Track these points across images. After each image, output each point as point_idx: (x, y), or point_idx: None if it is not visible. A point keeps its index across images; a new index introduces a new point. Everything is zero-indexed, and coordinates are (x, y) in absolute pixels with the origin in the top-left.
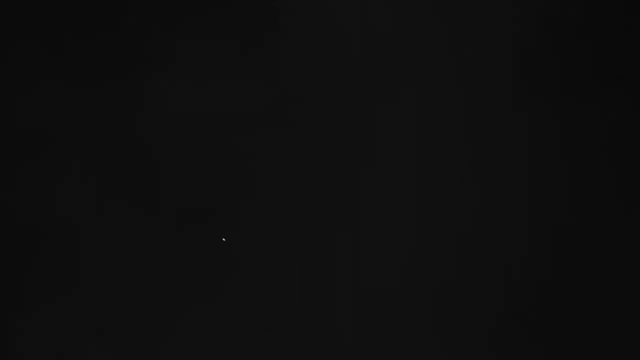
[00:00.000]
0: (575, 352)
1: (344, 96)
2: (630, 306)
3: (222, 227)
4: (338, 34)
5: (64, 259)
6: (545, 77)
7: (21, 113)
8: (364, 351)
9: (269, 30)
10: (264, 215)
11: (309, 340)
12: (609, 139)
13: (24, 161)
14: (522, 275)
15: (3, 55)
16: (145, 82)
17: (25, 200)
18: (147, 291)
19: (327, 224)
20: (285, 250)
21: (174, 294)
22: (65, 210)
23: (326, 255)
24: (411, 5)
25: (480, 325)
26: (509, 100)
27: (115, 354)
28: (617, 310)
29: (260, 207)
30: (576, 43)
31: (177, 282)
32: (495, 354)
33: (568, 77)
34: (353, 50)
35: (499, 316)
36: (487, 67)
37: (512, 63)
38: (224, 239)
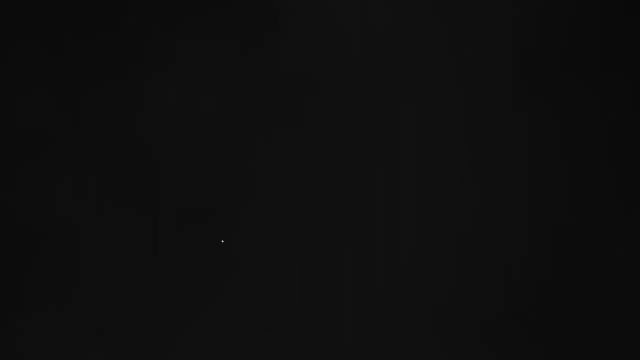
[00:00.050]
0: (575, 352)
1: (344, 96)
2: (630, 306)
3: (222, 227)
4: (338, 34)
5: (64, 259)
6: (545, 77)
7: (21, 113)
8: (364, 351)
9: (269, 30)
10: (264, 215)
11: (309, 341)
12: (609, 139)
13: (24, 161)
14: (522, 275)
15: (3, 55)
16: (145, 82)
17: (25, 200)
18: (147, 291)
19: (327, 224)
20: (285, 250)
21: (174, 294)
22: (65, 210)
23: (326, 255)
24: (411, 5)
25: (480, 326)
26: (509, 100)
27: (115, 354)
28: (617, 310)
29: (260, 207)
30: (576, 43)
31: (176, 282)
32: (495, 354)
33: (568, 77)
34: (353, 50)
35: (499, 316)
36: (487, 67)
37: (512, 63)
38: (222, 241)
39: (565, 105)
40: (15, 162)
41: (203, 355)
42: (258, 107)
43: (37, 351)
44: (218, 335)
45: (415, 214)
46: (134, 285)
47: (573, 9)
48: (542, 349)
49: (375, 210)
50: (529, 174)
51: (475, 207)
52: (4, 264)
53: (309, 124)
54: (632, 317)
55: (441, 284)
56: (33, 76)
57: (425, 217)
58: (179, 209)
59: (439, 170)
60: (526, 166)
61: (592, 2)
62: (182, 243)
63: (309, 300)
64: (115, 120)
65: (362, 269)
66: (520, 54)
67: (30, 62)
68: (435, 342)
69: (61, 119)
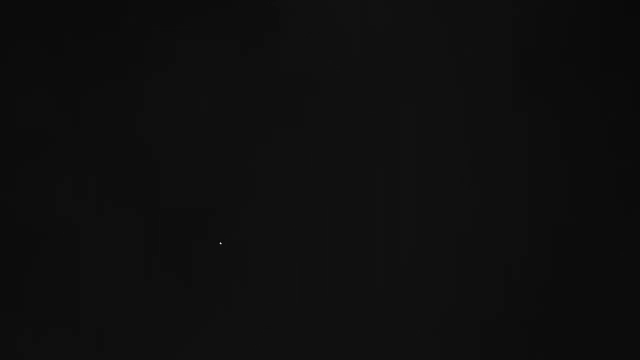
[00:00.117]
0: (576, 352)
1: (344, 96)
2: (630, 306)
3: (222, 227)
4: (338, 34)
5: (64, 259)
6: (545, 77)
7: (21, 113)
8: (364, 351)
9: (269, 30)
10: (264, 215)
11: (308, 341)
12: (609, 139)
13: (24, 161)
14: (522, 275)
15: (3, 55)
16: (145, 82)
17: (25, 200)
18: (146, 291)
19: (327, 224)
20: (285, 250)
21: (174, 294)
22: (65, 210)
23: (326, 256)
24: (411, 5)
25: (480, 326)
26: (509, 100)
27: (115, 354)
28: (617, 310)
29: (260, 207)
30: (576, 43)
31: (176, 282)
32: (495, 354)
33: (568, 77)
34: (353, 50)
35: (499, 316)
36: (487, 67)
37: (512, 63)
38: (220, 243)
39: (565, 105)
40: (15, 162)
41: (202, 354)
42: (258, 107)
43: (37, 351)
44: (218, 335)
45: (415, 213)
46: (133, 285)
47: (573, 9)
48: (542, 349)
49: (375, 210)
50: (529, 174)
51: (475, 207)
52: (4, 264)
53: (309, 124)
54: (632, 317)
55: (441, 284)
56: (33, 76)
57: (425, 217)
58: (179, 209)
59: (439, 170)
60: (526, 166)
61: (592, 2)
62: (182, 243)
63: (309, 300)
64: (115, 120)
65: (362, 269)
66: (520, 54)
67: (30, 62)
68: (435, 342)
69: (61, 119)
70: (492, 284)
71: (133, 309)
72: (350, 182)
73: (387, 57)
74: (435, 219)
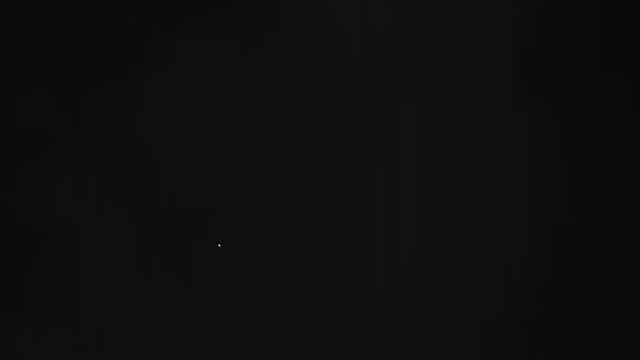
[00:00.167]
0: (576, 352)
1: (344, 96)
2: (630, 306)
3: (222, 227)
4: (338, 34)
5: (64, 259)
6: (545, 77)
7: (21, 113)
8: (364, 351)
9: (269, 30)
10: (264, 215)
11: (309, 341)
12: (609, 139)
13: (24, 161)
14: (522, 275)
15: (3, 55)
16: (145, 82)
17: (25, 200)
18: (146, 291)
19: (327, 224)
20: (285, 250)
21: (174, 294)
22: (65, 210)
23: (326, 256)
24: (411, 5)
25: (480, 326)
26: (509, 100)
27: (115, 354)
28: (617, 310)
29: (260, 207)
30: (576, 43)
31: (176, 282)
32: (495, 354)
33: (568, 77)
34: (353, 50)
35: (499, 316)
36: (487, 67)
37: (512, 63)
38: (219, 245)
39: (565, 105)
40: (15, 162)
41: (202, 354)
42: (258, 107)
43: (37, 351)
44: (218, 335)
45: (415, 214)
46: (133, 285)
47: (573, 9)
48: (542, 348)
49: (375, 210)
50: (529, 174)
51: (475, 207)
52: (4, 264)
53: (309, 124)
54: (632, 317)
55: (441, 284)
56: (33, 76)
57: (426, 217)
58: (179, 209)
59: (439, 170)
60: (526, 166)
61: (592, 2)
62: (182, 243)
63: (308, 301)
64: (115, 120)
65: (362, 269)
66: (520, 54)
67: (30, 62)
68: (435, 342)
69: (61, 119)
70: (492, 284)
71: (133, 309)
72: (350, 182)
73: (387, 57)
74: (435, 219)
